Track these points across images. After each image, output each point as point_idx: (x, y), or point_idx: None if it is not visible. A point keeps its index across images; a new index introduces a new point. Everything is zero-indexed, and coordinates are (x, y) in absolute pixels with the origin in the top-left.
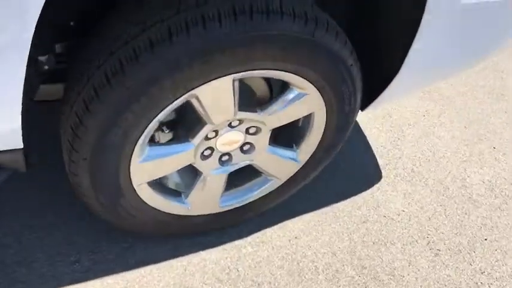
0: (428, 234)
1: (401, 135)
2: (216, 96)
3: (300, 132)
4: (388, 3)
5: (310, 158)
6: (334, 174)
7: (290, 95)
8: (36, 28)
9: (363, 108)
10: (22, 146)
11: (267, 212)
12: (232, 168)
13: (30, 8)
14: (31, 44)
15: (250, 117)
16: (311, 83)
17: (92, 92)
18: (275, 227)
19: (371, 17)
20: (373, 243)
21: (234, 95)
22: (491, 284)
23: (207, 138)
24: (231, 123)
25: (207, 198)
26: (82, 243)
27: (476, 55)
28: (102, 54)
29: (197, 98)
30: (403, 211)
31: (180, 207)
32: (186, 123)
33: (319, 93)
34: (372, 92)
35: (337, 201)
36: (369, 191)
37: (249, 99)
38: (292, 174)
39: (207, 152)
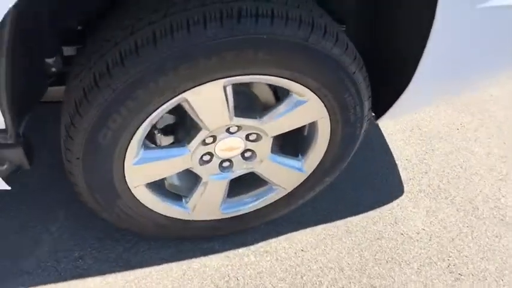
0: (450, 257)
1: (430, 149)
2: (207, 101)
3: (305, 141)
4: (398, 11)
5: (316, 168)
6: (352, 186)
7: (290, 102)
8: (43, 32)
9: (377, 118)
10: (4, 127)
11: (275, 221)
12: (233, 175)
13: None
14: (38, 45)
15: (248, 123)
16: (311, 90)
17: (81, 93)
18: (281, 238)
19: (383, 25)
20: (387, 261)
21: (227, 101)
22: None
23: (204, 143)
24: (229, 129)
25: (207, 204)
26: (87, 241)
27: (497, 63)
28: (93, 57)
29: (188, 102)
30: (424, 230)
31: (181, 211)
32: (184, 128)
33: (320, 101)
34: (385, 102)
35: (351, 215)
36: (387, 206)
37: (253, 106)
38: (297, 185)
39: (206, 157)
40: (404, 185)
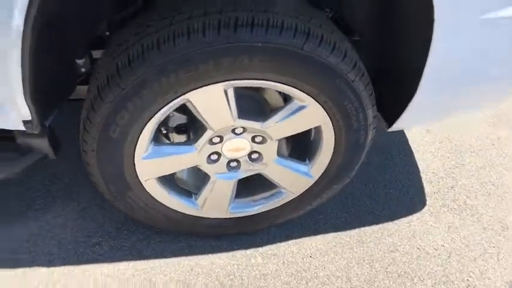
0: (470, 277)
1: (460, 163)
2: (208, 103)
3: (312, 146)
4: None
5: (323, 175)
6: (369, 196)
7: (291, 107)
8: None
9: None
10: (29, 119)
11: (285, 225)
12: (240, 175)
13: None
14: (67, 47)
15: (252, 125)
16: (310, 96)
17: (96, 91)
18: (290, 242)
19: (390, 35)
20: (398, 275)
21: (228, 103)
22: None
23: (211, 142)
24: (234, 130)
25: (216, 202)
26: (106, 229)
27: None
28: (107, 60)
29: (191, 103)
30: (443, 246)
31: (190, 207)
32: (193, 127)
33: (321, 107)
34: (396, 111)
35: (366, 225)
36: (405, 219)
37: (260, 109)
38: (305, 190)
39: (214, 157)
40: (427, 199)
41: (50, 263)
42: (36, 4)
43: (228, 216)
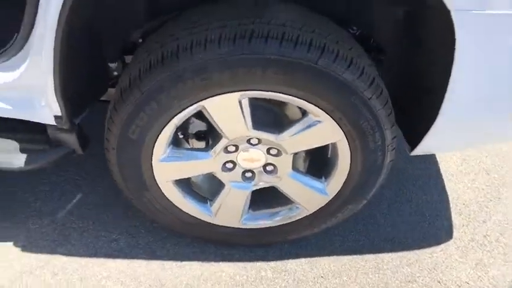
0: None
1: (496, 196)
2: (222, 111)
3: (329, 164)
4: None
5: (338, 194)
6: (392, 221)
7: (306, 121)
8: (106, 41)
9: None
10: (60, 114)
11: (299, 242)
12: (255, 186)
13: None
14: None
15: (266, 137)
16: (324, 111)
17: (119, 92)
18: (303, 260)
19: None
20: None
21: (243, 113)
22: None
23: (227, 151)
24: (249, 140)
25: (229, 211)
26: (126, 227)
27: None
28: (131, 65)
29: (206, 111)
30: (467, 283)
31: (204, 213)
32: (212, 135)
33: (335, 123)
34: (419, 134)
35: (384, 251)
36: (428, 249)
37: (278, 121)
38: (319, 207)
39: (229, 165)
40: (455, 231)
41: (69, 252)
42: (67, 8)
43: (240, 227)
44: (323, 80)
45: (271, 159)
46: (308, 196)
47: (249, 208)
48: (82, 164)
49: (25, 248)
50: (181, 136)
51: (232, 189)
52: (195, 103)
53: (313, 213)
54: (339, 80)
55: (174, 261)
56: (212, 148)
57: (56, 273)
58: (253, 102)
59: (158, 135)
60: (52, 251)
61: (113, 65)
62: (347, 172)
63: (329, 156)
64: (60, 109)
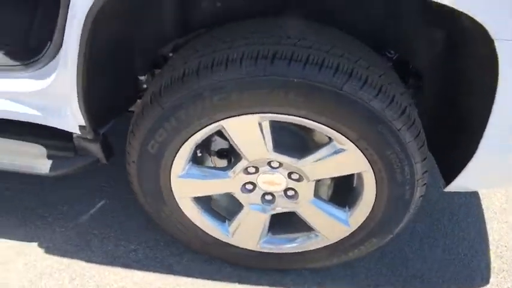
0: None
1: None
2: (242, 133)
3: (353, 194)
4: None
5: (362, 225)
6: (425, 257)
7: (330, 148)
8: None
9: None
10: (84, 124)
11: (320, 272)
12: (274, 210)
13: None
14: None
15: (287, 161)
16: (349, 140)
17: (141, 107)
18: None
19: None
20: None
21: (263, 135)
22: None
23: (247, 172)
24: (270, 163)
25: (247, 233)
26: (145, 238)
27: None
28: (154, 80)
29: (225, 130)
30: None
31: (221, 232)
32: (233, 154)
33: (361, 152)
34: (455, 169)
35: None
36: None
37: (302, 146)
38: (341, 238)
39: (249, 186)
40: (492, 276)
41: (89, 258)
42: (90, 22)
43: (258, 250)
44: (348, 107)
45: (292, 184)
46: (329, 225)
47: (269, 231)
48: (111, 172)
49: (49, 249)
50: (199, 154)
51: (251, 211)
52: (214, 122)
53: (334, 243)
54: (365, 108)
55: (189, 278)
56: (232, 168)
57: (73, 278)
58: (278, 124)
59: (177, 152)
60: (73, 255)
61: (142, 78)
62: (372, 204)
63: (354, 185)
64: (84, 119)
